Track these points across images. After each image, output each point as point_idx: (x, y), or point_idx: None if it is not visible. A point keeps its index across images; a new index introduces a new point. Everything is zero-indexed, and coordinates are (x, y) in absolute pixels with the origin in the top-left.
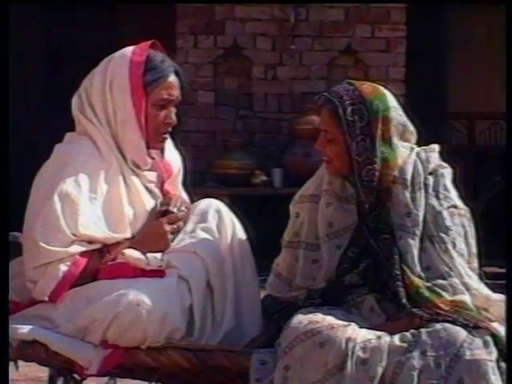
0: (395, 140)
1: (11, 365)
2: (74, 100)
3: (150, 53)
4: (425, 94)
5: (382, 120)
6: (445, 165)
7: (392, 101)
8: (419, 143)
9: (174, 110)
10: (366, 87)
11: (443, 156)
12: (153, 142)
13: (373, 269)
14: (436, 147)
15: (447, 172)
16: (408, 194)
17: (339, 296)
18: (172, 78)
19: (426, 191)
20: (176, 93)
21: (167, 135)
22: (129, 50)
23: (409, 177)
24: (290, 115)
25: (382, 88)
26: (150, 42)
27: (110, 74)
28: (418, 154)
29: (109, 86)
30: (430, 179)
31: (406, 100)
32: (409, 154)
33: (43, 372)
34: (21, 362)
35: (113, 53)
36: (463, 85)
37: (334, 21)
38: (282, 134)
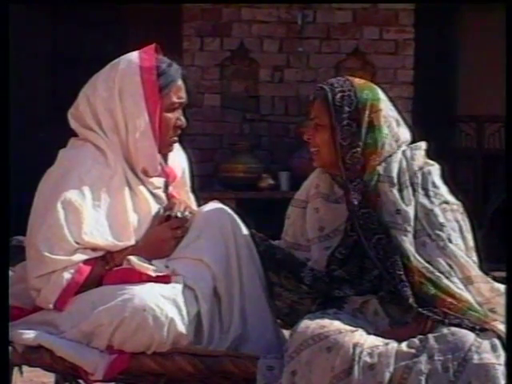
0: (385, 130)
1: (16, 370)
2: (72, 112)
3: (156, 57)
4: (433, 97)
5: (370, 108)
6: (431, 162)
7: (383, 96)
8: (428, 146)
9: (181, 113)
10: (358, 80)
11: (430, 154)
12: (164, 146)
13: (360, 268)
14: (423, 145)
15: (434, 169)
16: (396, 192)
17: (326, 290)
18: (180, 82)
19: (415, 190)
20: (184, 95)
21: (177, 138)
22: (134, 56)
23: (395, 174)
24: (297, 118)
25: (373, 84)
26: (153, 46)
27: (118, 81)
28: (403, 152)
29: (118, 94)
30: (418, 177)
31: (415, 103)
32: (395, 151)
33: (48, 377)
34: (25, 368)
35: (119, 55)
36: (472, 87)
37: (342, 23)
38: (288, 137)
